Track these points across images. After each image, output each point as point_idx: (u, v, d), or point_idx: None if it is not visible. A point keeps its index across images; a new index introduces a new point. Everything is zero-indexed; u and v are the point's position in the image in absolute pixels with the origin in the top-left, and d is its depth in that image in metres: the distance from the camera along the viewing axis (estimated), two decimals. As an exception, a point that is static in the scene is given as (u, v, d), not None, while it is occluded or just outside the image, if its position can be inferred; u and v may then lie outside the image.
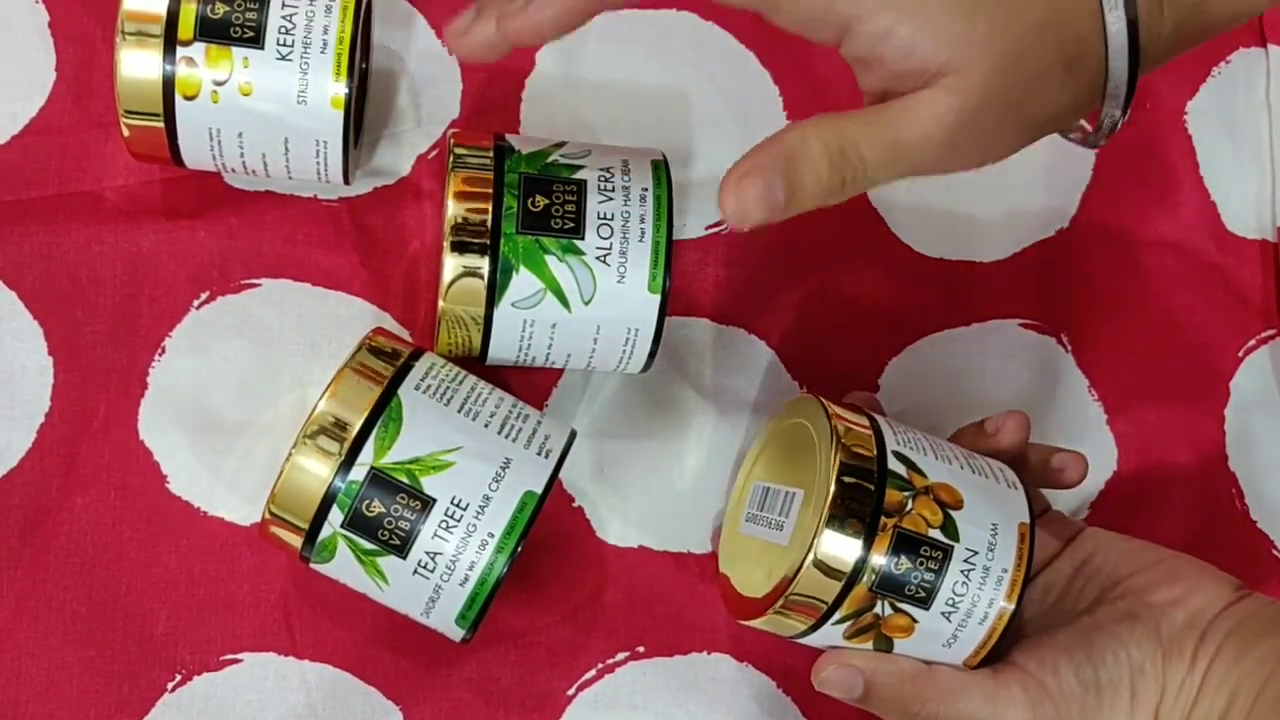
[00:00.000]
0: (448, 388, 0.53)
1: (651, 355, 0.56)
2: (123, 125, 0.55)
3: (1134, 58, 0.46)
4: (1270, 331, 0.66)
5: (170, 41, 0.54)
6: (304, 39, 0.54)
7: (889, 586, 0.52)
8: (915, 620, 0.52)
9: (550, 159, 0.55)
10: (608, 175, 0.55)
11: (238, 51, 0.54)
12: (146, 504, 0.57)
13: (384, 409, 0.52)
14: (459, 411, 0.53)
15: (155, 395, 0.58)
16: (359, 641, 0.57)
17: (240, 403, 0.59)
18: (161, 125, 0.55)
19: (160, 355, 0.59)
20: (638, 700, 0.58)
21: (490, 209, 0.54)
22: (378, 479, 0.51)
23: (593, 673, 0.58)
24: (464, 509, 0.51)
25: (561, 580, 0.59)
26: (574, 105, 0.63)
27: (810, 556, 0.51)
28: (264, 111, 0.55)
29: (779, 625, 0.53)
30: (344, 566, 0.52)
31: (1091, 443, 0.64)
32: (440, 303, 0.54)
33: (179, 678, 0.56)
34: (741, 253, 0.63)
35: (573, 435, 0.54)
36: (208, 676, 0.56)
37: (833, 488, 0.51)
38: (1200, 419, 0.65)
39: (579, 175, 0.55)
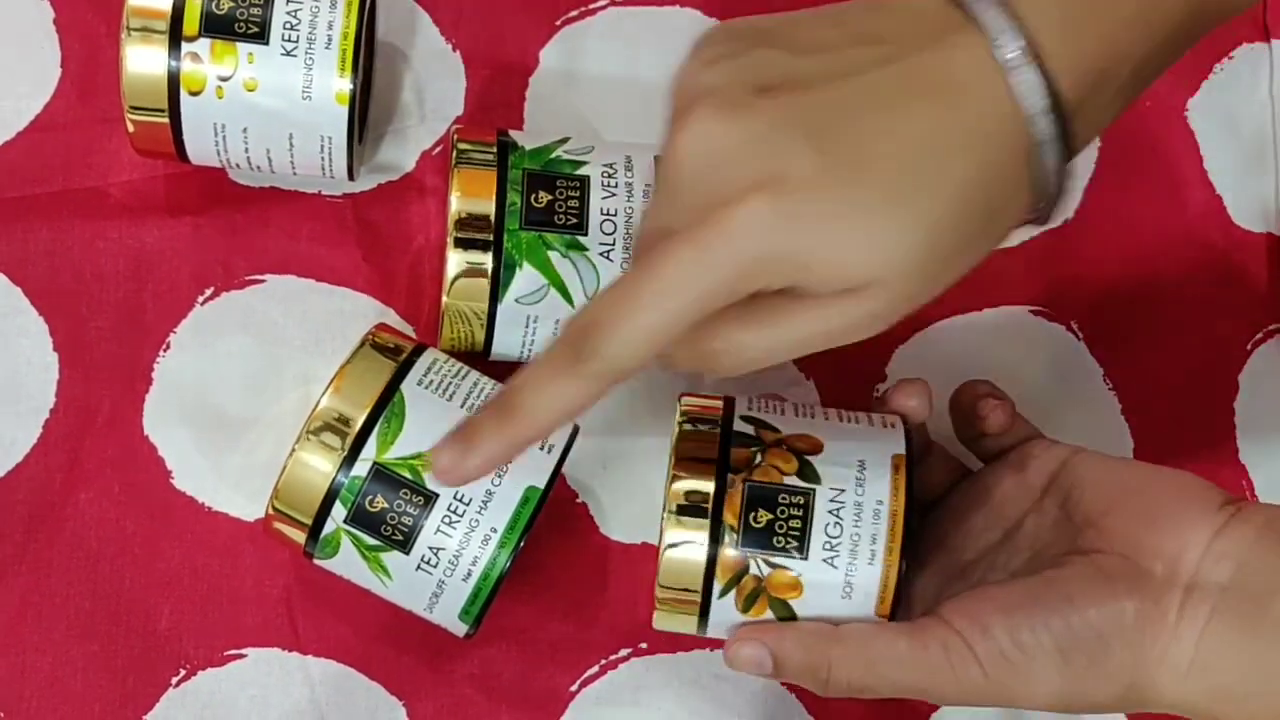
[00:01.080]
0: (450, 383, 0.53)
1: (655, 351, 0.56)
2: (127, 121, 0.55)
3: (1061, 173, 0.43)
4: (1277, 325, 0.66)
5: (175, 37, 0.54)
6: (309, 35, 0.54)
7: (755, 542, 0.50)
8: (798, 574, 0.50)
9: (554, 155, 0.55)
10: (611, 171, 0.55)
11: (242, 47, 0.54)
12: (151, 499, 0.57)
13: (386, 405, 0.51)
14: (461, 406, 0.52)
15: (159, 391, 0.59)
16: (363, 637, 0.57)
17: (244, 398, 0.59)
18: (166, 121, 0.55)
19: (164, 351, 0.59)
20: (640, 697, 0.58)
21: (494, 205, 0.54)
22: (381, 474, 0.51)
23: (595, 669, 0.58)
24: (466, 504, 0.51)
25: (564, 576, 0.59)
26: (577, 102, 0.63)
27: (665, 533, 0.50)
28: (269, 107, 0.55)
29: (677, 620, 0.52)
30: (347, 562, 0.52)
31: (1107, 431, 0.64)
32: (444, 298, 0.54)
33: (183, 672, 0.56)
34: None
35: (575, 430, 0.54)
36: (212, 671, 0.56)
37: (672, 462, 0.51)
38: (1211, 410, 0.65)
39: (582, 171, 0.55)
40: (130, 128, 0.56)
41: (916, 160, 0.41)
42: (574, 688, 0.58)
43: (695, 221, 0.40)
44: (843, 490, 0.50)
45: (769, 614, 0.51)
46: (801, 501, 0.50)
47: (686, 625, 0.52)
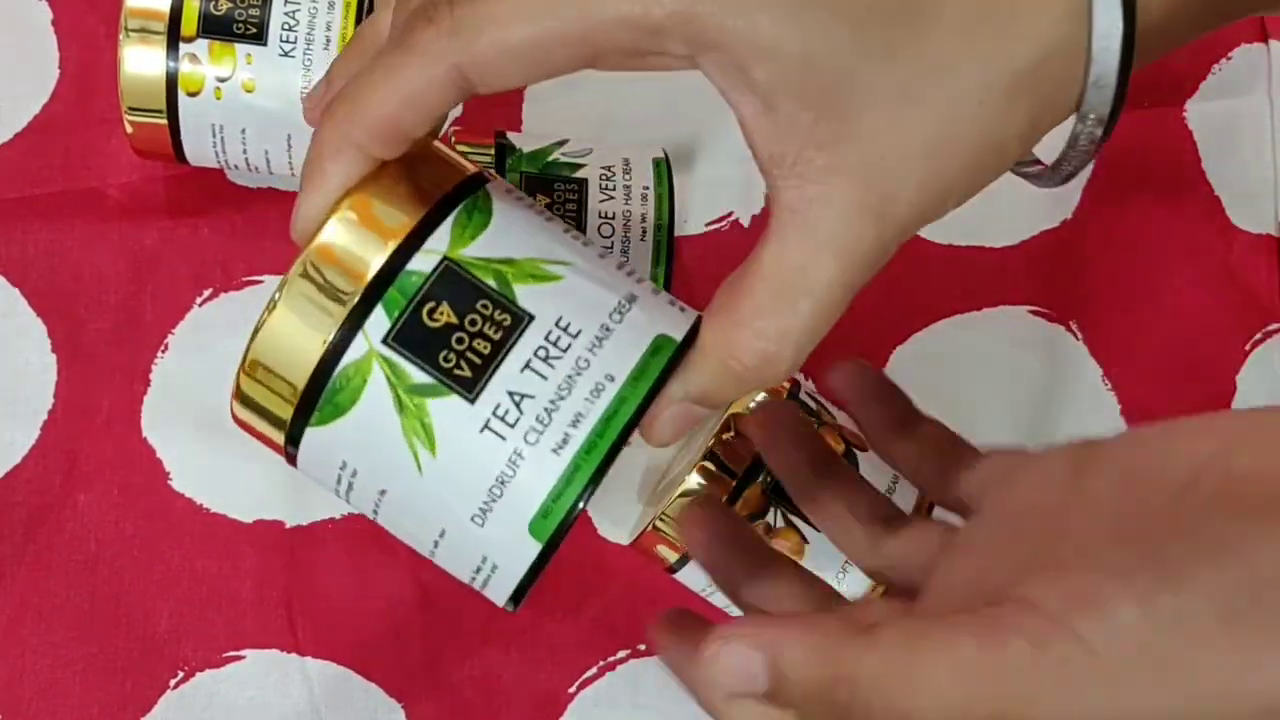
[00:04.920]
0: (545, 209, 0.38)
1: (654, 352, 0.56)
2: (126, 122, 0.55)
3: (1127, 51, 0.35)
4: (1275, 326, 0.66)
5: (173, 38, 0.54)
6: (307, 35, 0.54)
7: (782, 494, 0.46)
8: (806, 540, 0.46)
9: (551, 157, 0.55)
10: (609, 174, 0.55)
11: (240, 48, 0.54)
12: (149, 501, 0.57)
13: (468, 194, 0.36)
14: (565, 232, 0.37)
15: (158, 392, 0.59)
16: (362, 639, 0.57)
17: (243, 400, 0.59)
18: (164, 122, 0.55)
19: (163, 352, 0.59)
20: (640, 699, 0.58)
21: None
22: (452, 274, 0.34)
23: (594, 670, 0.58)
24: (574, 336, 0.35)
25: (563, 577, 0.59)
26: (575, 103, 0.63)
27: (710, 442, 0.48)
28: (267, 108, 0.55)
29: (663, 543, 0.50)
30: (365, 425, 0.34)
31: (1106, 432, 0.63)
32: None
33: (181, 674, 0.56)
34: (743, 249, 0.63)
35: (698, 320, 0.37)
36: (210, 673, 0.56)
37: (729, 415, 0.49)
38: (1209, 411, 0.65)
39: (580, 174, 0.55)
40: (129, 129, 0.56)
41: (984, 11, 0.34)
42: (573, 689, 0.58)
43: None
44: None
45: None
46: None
47: (668, 553, 0.50)
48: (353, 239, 0.34)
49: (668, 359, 0.35)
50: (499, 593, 0.36)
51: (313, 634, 0.57)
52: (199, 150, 0.56)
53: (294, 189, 0.60)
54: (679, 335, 0.36)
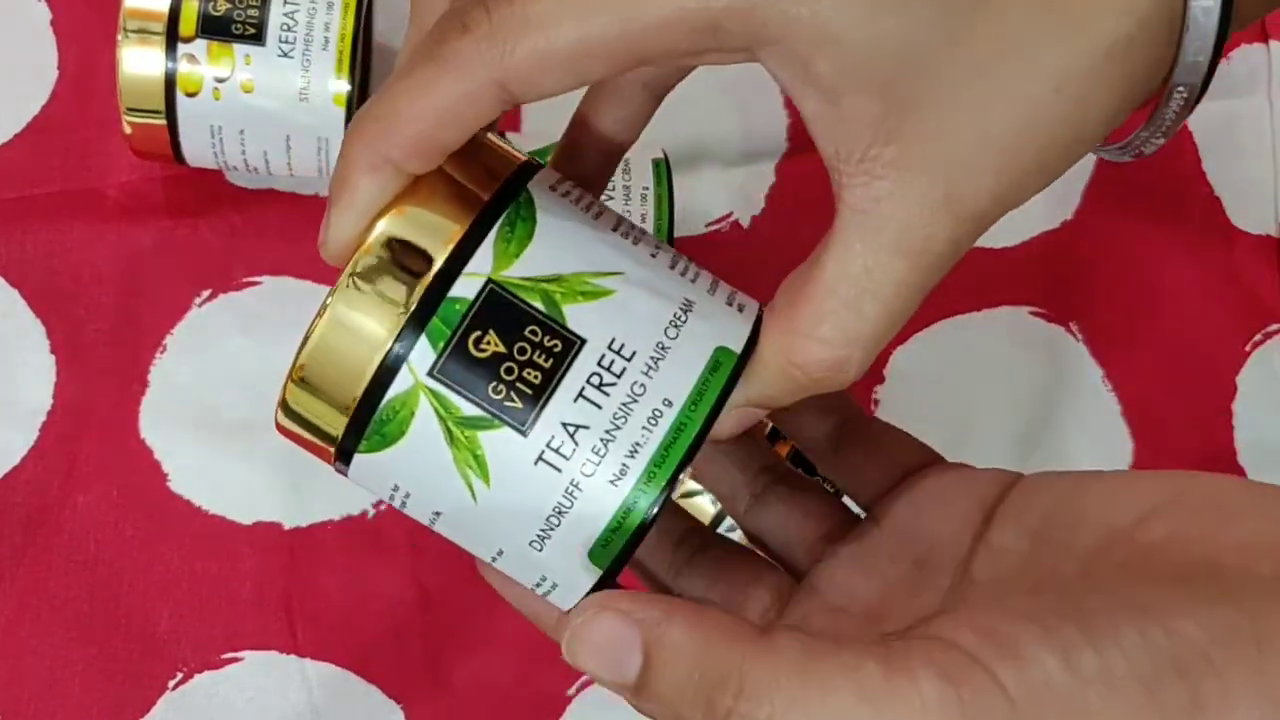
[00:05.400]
0: (593, 203, 0.36)
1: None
2: (124, 123, 0.55)
3: (1225, 12, 0.32)
4: (1275, 326, 0.66)
5: (172, 38, 0.54)
6: (305, 36, 0.54)
7: None
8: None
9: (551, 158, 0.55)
10: (608, 174, 0.55)
11: (239, 49, 0.54)
12: (148, 502, 0.57)
13: (510, 202, 0.34)
14: (614, 230, 0.35)
15: (156, 393, 0.58)
16: (361, 640, 0.57)
17: (241, 401, 0.59)
18: (163, 122, 0.55)
19: (161, 353, 0.59)
20: (639, 700, 0.58)
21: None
22: (497, 299, 0.33)
23: (594, 671, 0.58)
24: (628, 359, 0.33)
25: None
26: (574, 104, 0.63)
27: None
28: (266, 108, 0.55)
29: None
30: (415, 456, 0.33)
31: (1107, 434, 0.63)
32: (441, 301, 0.54)
33: (180, 675, 0.56)
34: (743, 249, 0.63)
35: (760, 309, 0.36)
36: (209, 674, 0.56)
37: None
38: (1209, 413, 0.65)
39: (580, 174, 0.55)
40: (127, 129, 0.56)
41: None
42: (571, 691, 0.58)
43: None
44: None
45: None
46: None
47: None
48: (391, 262, 0.32)
49: (727, 376, 0.33)
50: (562, 604, 0.35)
51: (312, 635, 0.57)
52: (197, 151, 0.56)
53: (293, 190, 0.61)
54: (738, 345, 0.34)
